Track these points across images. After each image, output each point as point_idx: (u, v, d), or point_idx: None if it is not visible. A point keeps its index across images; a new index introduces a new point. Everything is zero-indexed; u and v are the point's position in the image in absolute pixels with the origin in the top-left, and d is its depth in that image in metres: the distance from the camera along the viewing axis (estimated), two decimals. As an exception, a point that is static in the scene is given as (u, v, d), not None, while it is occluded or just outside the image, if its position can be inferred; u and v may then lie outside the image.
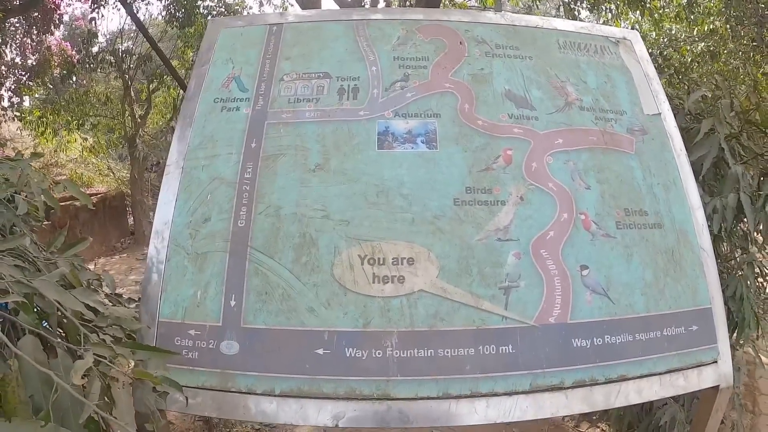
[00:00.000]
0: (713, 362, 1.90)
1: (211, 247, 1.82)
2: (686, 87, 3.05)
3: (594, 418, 3.34)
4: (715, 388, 1.91)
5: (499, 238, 1.83)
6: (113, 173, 11.71)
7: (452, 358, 1.69)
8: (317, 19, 2.30)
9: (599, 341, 1.78)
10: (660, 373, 1.81)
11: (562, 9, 7.96)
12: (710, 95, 2.84)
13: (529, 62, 2.19)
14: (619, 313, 1.82)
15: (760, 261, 2.82)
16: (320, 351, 1.67)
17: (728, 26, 8.62)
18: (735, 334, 2.69)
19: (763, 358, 4.97)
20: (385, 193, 1.86)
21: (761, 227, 2.52)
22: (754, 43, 8.76)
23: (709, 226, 2.36)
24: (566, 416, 3.30)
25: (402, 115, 2.00)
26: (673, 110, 2.64)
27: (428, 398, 1.65)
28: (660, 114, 2.18)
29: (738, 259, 2.79)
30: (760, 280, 2.94)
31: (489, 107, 2.05)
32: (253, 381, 1.64)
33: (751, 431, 3.92)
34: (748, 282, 2.59)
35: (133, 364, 1.28)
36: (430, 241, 1.81)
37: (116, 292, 2.18)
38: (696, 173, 2.48)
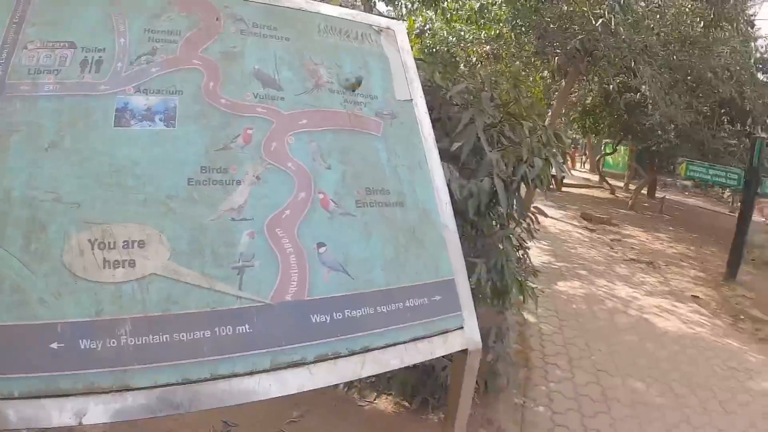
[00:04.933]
0: (459, 328, 1.94)
1: (-58, 238, 1.58)
2: (454, 80, 3.14)
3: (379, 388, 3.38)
4: (465, 351, 1.95)
5: (233, 217, 1.73)
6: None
7: (189, 342, 1.57)
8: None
9: (339, 315, 1.74)
10: (404, 342, 1.82)
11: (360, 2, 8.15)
12: (474, 88, 2.92)
13: (285, 43, 2.10)
14: (359, 288, 1.80)
15: (519, 234, 2.98)
16: (54, 345, 1.47)
17: (513, 34, 9.29)
18: (501, 301, 2.85)
19: (530, 318, 5.42)
20: (118, 173, 1.68)
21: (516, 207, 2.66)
22: (535, 50, 9.58)
23: (466, 207, 2.43)
24: (351, 388, 3.31)
25: (143, 91, 1.83)
26: (439, 100, 2.71)
27: (168, 385, 1.52)
28: (412, 100, 2.19)
29: (498, 234, 2.91)
30: (521, 252, 3.12)
31: (235, 86, 1.94)
32: (-10, 385, 1.44)
33: (527, 383, 4.22)
34: (508, 254, 2.71)
35: None
36: (162, 222, 1.66)
37: None
38: (457, 159, 2.55)
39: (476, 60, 9.93)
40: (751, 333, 6.45)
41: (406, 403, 3.34)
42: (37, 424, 1.43)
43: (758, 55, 14.01)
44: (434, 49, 9.48)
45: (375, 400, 3.37)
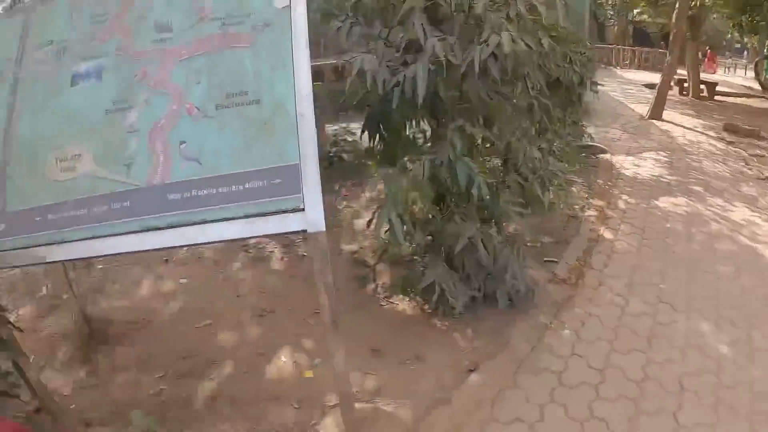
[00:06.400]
0: (299, 210, 2.16)
1: None
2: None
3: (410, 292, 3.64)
4: (305, 232, 2.22)
5: (128, 131, 2.39)
6: None
7: (102, 212, 2.32)
8: None
9: (188, 194, 2.27)
10: (239, 218, 2.22)
11: None
12: None
13: None
14: (206, 173, 2.28)
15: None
16: (38, 218, 2.39)
17: None
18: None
19: (607, 234, 4.40)
20: (70, 117, 2.49)
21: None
22: None
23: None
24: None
25: (84, 58, 2.55)
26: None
27: (85, 239, 2.32)
28: (289, 6, 2.40)
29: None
30: None
31: (142, 39, 2.52)
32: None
33: (566, 303, 3.79)
34: (455, 146, 2.70)
35: None
36: (90, 142, 2.43)
37: None
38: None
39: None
40: None
41: (426, 307, 3.46)
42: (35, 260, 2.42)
43: None
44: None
45: (391, 299, 3.65)
